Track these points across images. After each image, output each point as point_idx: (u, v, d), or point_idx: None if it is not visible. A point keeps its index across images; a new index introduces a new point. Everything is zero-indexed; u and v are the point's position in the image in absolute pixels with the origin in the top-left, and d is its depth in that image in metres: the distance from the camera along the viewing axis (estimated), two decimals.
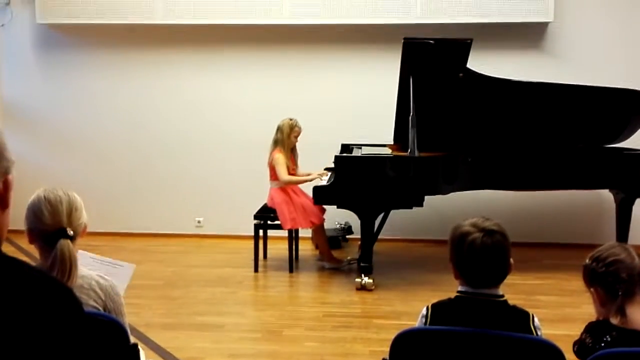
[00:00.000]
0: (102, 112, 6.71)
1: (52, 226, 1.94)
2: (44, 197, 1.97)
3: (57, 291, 1.60)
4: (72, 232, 1.94)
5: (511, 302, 1.94)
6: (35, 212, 1.95)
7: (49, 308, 1.54)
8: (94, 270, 2.39)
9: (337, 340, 3.89)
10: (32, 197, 1.99)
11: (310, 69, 6.48)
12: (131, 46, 6.62)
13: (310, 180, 5.32)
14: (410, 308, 4.43)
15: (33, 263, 1.96)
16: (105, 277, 2.07)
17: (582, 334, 1.99)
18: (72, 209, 1.98)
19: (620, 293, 1.90)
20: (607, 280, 1.93)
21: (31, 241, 2.00)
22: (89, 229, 2.11)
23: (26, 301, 1.51)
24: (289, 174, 5.35)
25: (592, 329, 1.96)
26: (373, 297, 4.75)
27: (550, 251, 5.98)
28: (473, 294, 1.90)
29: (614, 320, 1.91)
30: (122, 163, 6.74)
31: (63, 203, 1.96)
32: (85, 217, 2.03)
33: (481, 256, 1.86)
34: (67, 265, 1.89)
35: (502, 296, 1.91)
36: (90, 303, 1.97)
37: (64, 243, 1.91)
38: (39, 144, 6.80)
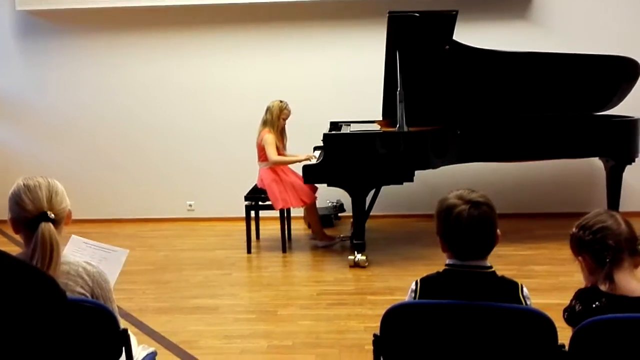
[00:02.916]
0: (88, 98, 6.65)
1: (33, 212, 1.93)
2: (23, 184, 1.96)
3: (40, 281, 1.59)
4: (53, 215, 1.93)
5: (504, 273, 1.94)
6: (16, 200, 1.95)
7: (32, 298, 1.53)
8: (86, 254, 2.38)
9: (332, 318, 3.90)
10: (12, 187, 1.97)
11: (297, 47, 6.43)
12: (115, 30, 6.54)
13: (299, 162, 5.28)
14: (404, 283, 4.41)
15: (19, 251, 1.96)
16: (92, 263, 2.05)
17: (571, 300, 1.99)
18: (52, 194, 1.97)
19: (607, 260, 1.90)
20: (595, 247, 1.93)
21: (16, 231, 1.99)
22: (80, 216, 2.10)
23: (8, 292, 1.50)
24: (278, 154, 5.33)
25: (582, 296, 1.96)
26: (367, 274, 4.76)
27: (542, 221, 6.00)
28: (461, 267, 1.89)
29: (603, 287, 1.91)
30: (111, 149, 6.69)
31: (42, 188, 1.96)
32: (67, 202, 2.02)
33: (468, 228, 1.85)
34: (47, 248, 1.88)
35: (490, 267, 1.91)
36: (77, 290, 1.95)
37: (45, 226, 1.90)
38: (24, 132, 6.74)
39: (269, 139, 5.27)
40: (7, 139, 6.75)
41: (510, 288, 1.89)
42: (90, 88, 6.64)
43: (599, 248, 1.92)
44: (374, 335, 1.90)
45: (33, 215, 1.92)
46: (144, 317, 3.97)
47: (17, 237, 2.06)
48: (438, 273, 1.94)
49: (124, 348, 2.01)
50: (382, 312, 1.92)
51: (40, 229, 1.89)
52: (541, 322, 1.76)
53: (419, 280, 1.96)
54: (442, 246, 1.94)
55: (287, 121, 5.46)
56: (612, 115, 5.45)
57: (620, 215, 1.97)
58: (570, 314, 1.96)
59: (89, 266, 2.03)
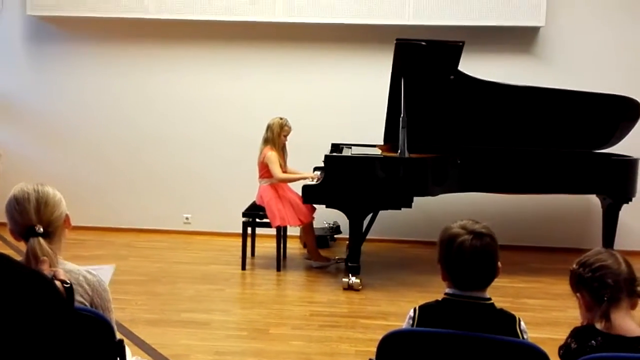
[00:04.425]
0: (92, 105, 6.68)
1: (22, 225, 1.93)
2: (13, 196, 1.96)
3: (41, 284, 1.59)
4: (41, 230, 1.91)
5: (498, 304, 1.95)
6: (9, 213, 1.96)
7: (33, 301, 1.54)
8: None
9: (324, 340, 3.89)
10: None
11: (302, 67, 6.48)
12: (122, 40, 6.59)
13: (304, 179, 5.29)
14: (397, 308, 4.44)
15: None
16: (93, 272, 2.05)
17: (567, 338, 2.00)
18: (40, 205, 1.94)
19: (605, 299, 1.91)
20: (593, 285, 1.94)
21: (17, 239, 2.00)
22: (77, 223, 2.10)
23: (10, 294, 1.50)
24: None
25: (578, 334, 1.97)
26: (360, 297, 4.75)
27: (537, 255, 6.02)
28: (460, 297, 1.91)
29: (599, 325, 1.92)
30: (111, 158, 6.70)
31: (31, 200, 1.94)
32: (62, 209, 2.00)
33: (470, 259, 1.86)
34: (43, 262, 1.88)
35: (489, 299, 1.92)
36: (77, 298, 1.95)
37: (33, 242, 1.90)
38: (28, 137, 6.76)
39: (272, 156, 5.29)
40: (10, 143, 6.76)
41: (508, 321, 1.90)
42: (95, 96, 6.67)
43: (597, 286, 1.93)
44: None
45: (23, 229, 1.93)
46: (135, 328, 3.95)
47: (13, 239, 2.06)
48: (437, 301, 1.95)
49: (119, 358, 2.01)
50: (374, 336, 1.93)
51: (29, 245, 1.89)
52: (537, 357, 1.76)
53: (417, 308, 1.96)
54: (442, 274, 1.95)
55: (288, 139, 5.48)
56: (611, 154, 5.49)
57: (621, 255, 1.99)
58: (565, 352, 1.96)
59: (89, 275, 2.03)
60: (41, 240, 1.90)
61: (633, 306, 1.95)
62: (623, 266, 1.94)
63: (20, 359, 1.50)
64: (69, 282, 1.77)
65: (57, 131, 6.71)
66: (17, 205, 1.94)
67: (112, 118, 6.67)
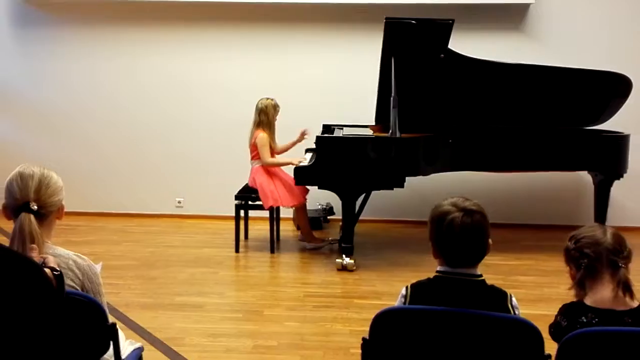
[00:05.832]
0: (82, 90, 6.62)
1: (19, 200, 1.93)
2: (19, 172, 1.97)
3: (30, 272, 1.59)
4: (35, 207, 1.92)
5: (490, 282, 1.95)
6: (8, 187, 1.96)
7: (22, 289, 1.53)
8: None
9: (318, 320, 3.91)
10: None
11: (293, 48, 6.44)
12: (111, 23, 6.52)
13: (291, 164, 5.27)
14: (390, 288, 4.46)
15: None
16: (83, 256, 2.04)
17: (557, 316, 2.01)
18: (41, 185, 1.96)
19: (582, 266, 1.92)
20: (575, 256, 1.96)
21: (8, 218, 1.99)
22: (68, 209, 2.10)
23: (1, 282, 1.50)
24: (271, 155, 5.34)
25: (567, 311, 1.97)
26: (354, 278, 4.77)
27: (529, 232, 6.05)
28: (452, 274, 1.91)
29: (589, 301, 1.92)
30: (103, 142, 6.66)
31: (34, 178, 1.96)
32: (60, 197, 2.02)
33: (460, 235, 1.86)
34: (27, 239, 1.87)
35: (480, 276, 1.92)
36: (67, 282, 1.94)
37: (24, 216, 1.90)
38: (17, 122, 6.71)
39: (264, 139, 5.26)
40: None
41: (499, 297, 1.91)
42: (84, 80, 6.61)
43: (578, 256, 1.95)
44: (363, 339, 1.91)
45: (18, 204, 1.93)
46: (129, 312, 3.96)
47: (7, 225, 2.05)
48: (429, 279, 1.95)
49: (112, 342, 2.01)
50: (368, 316, 1.92)
51: (20, 218, 1.89)
52: (528, 332, 1.77)
53: (409, 286, 1.97)
54: (433, 252, 1.95)
55: (279, 122, 5.46)
56: (602, 131, 5.50)
57: (613, 230, 1.98)
58: (556, 329, 1.97)
59: (79, 259, 2.02)
60: (32, 217, 1.90)
61: (619, 279, 1.92)
62: (608, 238, 1.94)
63: (10, 347, 1.50)
64: (58, 269, 1.76)
65: (46, 116, 6.66)
66: (20, 180, 1.94)
67: (102, 102, 6.62)
